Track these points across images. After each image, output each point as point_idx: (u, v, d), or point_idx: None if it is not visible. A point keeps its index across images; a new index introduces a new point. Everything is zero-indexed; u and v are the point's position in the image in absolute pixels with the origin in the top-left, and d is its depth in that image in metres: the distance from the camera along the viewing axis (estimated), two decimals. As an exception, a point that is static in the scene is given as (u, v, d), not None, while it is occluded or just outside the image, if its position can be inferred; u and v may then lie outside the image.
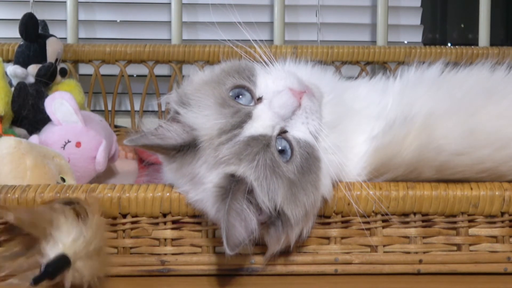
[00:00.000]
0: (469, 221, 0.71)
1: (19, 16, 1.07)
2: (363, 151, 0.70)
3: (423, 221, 0.71)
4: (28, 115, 0.99)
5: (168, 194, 0.68)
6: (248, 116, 0.65)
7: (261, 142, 0.64)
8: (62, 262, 0.58)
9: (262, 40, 0.72)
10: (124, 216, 0.70)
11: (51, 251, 0.59)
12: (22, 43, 1.07)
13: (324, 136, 0.67)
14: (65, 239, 0.60)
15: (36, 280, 0.57)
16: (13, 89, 0.99)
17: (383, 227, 0.71)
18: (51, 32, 1.13)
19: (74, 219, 0.62)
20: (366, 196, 0.68)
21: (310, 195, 0.64)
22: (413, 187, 0.69)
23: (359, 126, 0.73)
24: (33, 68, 1.04)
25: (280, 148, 0.65)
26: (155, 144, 0.66)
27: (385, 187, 0.69)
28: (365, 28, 1.44)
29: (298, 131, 0.66)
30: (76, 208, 0.64)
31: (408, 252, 0.71)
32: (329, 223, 0.71)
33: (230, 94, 0.67)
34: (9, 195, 0.68)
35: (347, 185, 0.68)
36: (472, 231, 0.71)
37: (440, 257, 0.71)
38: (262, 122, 0.65)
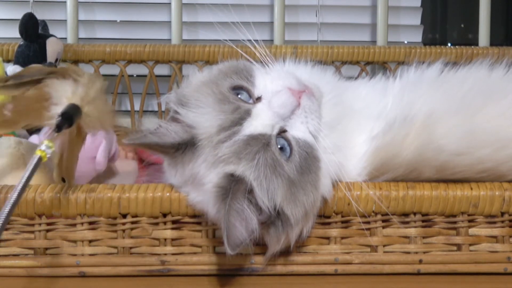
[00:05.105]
0: (469, 221, 0.71)
1: (19, 16, 1.07)
2: (363, 151, 0.70)
3: (423, 221, 0.71)
4: (28, 115, 0.99)
5: (168, 194, 0.68)
6: (247, 114, 0.65)
7: (260, 141, 0.64)
8: (73, 109, 0.64)
9: (259, 40, 0.72)
10: (124, 216, 0.70)
11: (58, 110, 0.64)
12: (22, 43, 1.07)
13: (323, 136, 0.67)
14: (66, 94, 0.65)
15: (59, 127, 0.62)
16: (13, 89, 0.99)
17: (383, 227, 0.71)
18: (51, 32, 1.13)
19: (63, 80, 0.67)
20: (366, 196, 0.68)
21: (309, 195, 0.64)
22: (413, 187, 0.69)
23: (359, 126, 0.73)
24: (33, 68, 1.04)
25: (279, 147, 0.65)
26: (153, 143, 0.66)
27: (385, 187, 0.69)
28: (365, 28, 1.45)
29: (298, 130, 0.66)
30: (56, 76, 0.69)
31: (408, 252, 0.71)
32: (329, 223, 0.71)
33: (230, 92, 0.67)
34: (9, 195, 0.68)
35: (347, 185, 0.68)
36: (472, 231, 0.71)
37: (440, 257, 0.71)
38: (261, 121, 0.65)
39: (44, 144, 0.62)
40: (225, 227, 0.60)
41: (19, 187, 0.59)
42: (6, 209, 0.58)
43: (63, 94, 0.65)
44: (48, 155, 0.62)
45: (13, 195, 0.59)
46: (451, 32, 1.66)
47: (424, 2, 1.50)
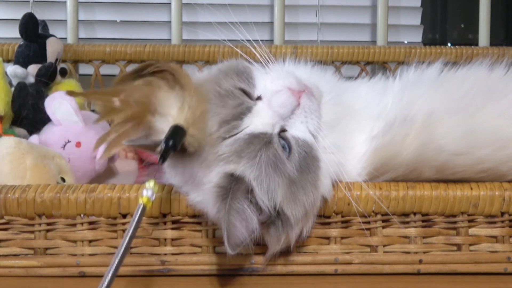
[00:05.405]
0: (469, 221, 0.71)
1: (19, 16, 1.07)
2: (363, 151, 0.70)
3: (423, 221, 0.71)
4: (28, 115, 0.99)
5: (168, 194, 0.68)
6: (248, 110, 0.65)
7: (262, 140, 0.64)
8: (178, 132, 0.59)
9: (259, 40, 0.72)
10: (124, 216, 0.70)
11: (163, 125, 0.61)
12: (22, 43, 1.07)
13: (323, 136, 0.67)
14: (171, 111, 0.61)
15: (163, 157, 0.58)
16: (13, 89, 0.99)
17: (383, 227, 0.71)
18: (51, 32, 1.13)
19: (170, 88, 0.63)
20: (366, 196, 0.68)
21: (309, 195, 0.64)
22: (413, 187, 0.69)
23: (358, 126, 0.73)
24: (33, 68, 1.04)
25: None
26: (153, 144, 0.66)
27: (385, 187, 0.69)
28: (365, 28, 1.45)
29: (297, 130, 0.66)
30: (165, 77, 0.64)
31: (408, 252, 0.71)
32: (329, 223, 0.71)
33: (235, 88, 0.67)
34: (9, 195, 0.68)
35: (347, 185, 0.68)
36: (472, 231, 0.71)
37: (440, 257, 0.71)
38: (262, 120, 0.65)
39: (148, 188, 0.58)
40: (226, 227, 0.60)
41: (125, 242, 0.56)
42: (113, 267, 0.55)
43: (169, 110, 0.61)
44: (152, 200, 0.59)
45: (119, 250, 0.56)
46: (451, 32, 1.66)
47: (424, 2, 1.50)
